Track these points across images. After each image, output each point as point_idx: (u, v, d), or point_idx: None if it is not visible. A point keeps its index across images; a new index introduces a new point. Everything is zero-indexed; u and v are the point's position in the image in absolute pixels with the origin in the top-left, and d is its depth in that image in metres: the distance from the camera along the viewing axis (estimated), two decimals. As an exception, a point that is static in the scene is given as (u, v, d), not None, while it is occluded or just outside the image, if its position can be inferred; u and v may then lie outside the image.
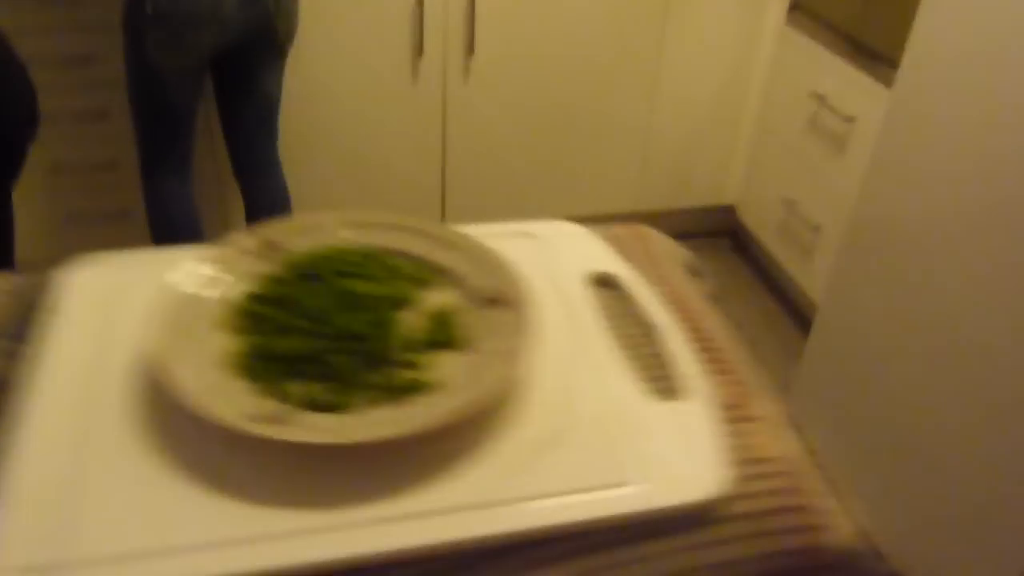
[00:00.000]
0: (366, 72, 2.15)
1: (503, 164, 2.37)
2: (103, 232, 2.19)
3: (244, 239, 0.92)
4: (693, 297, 1.05)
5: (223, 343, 0.81)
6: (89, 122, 2.04)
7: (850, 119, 2.04)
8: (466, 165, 2.34)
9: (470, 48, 2.17)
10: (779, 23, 2.34)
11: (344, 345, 0.81)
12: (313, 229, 0.95)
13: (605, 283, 0.98)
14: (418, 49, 2.14)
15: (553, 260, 1.00)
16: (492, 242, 0.94)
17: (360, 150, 2.25)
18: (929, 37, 1.43)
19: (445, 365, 0.80)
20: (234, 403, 0.72)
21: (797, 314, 2.41)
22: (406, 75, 2.17)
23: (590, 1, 2.18)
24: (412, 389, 0.77)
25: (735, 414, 0.83)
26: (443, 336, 0.83)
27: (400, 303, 0.87)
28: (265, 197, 2.02)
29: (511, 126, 2.31)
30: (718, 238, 2.74)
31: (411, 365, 0.80)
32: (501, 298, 0.85)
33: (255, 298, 0.86)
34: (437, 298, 0.89)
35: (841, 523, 0.75)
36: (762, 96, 2.45)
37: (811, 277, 2.26)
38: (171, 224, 1.95)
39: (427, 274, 0.92)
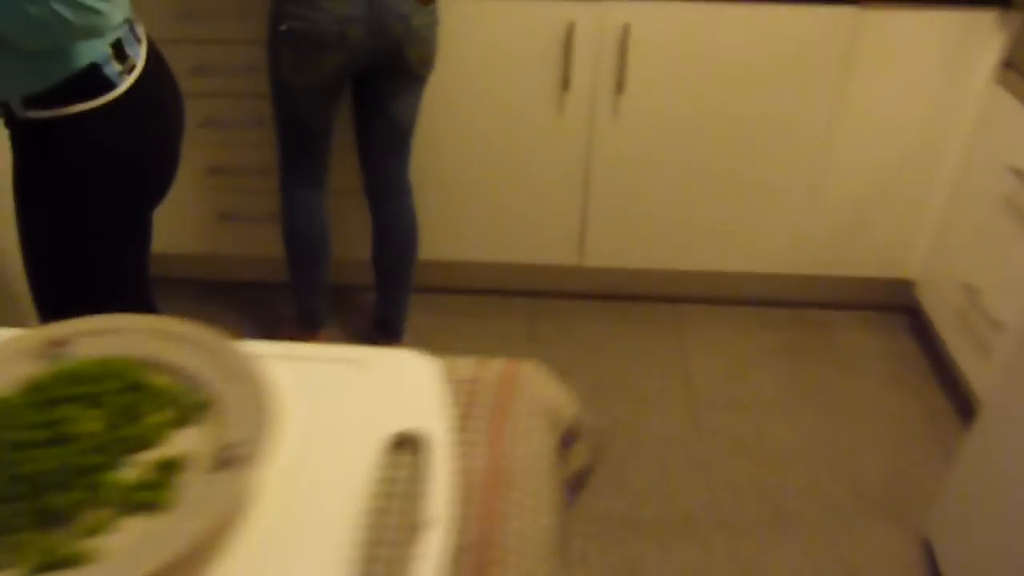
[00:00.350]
0: (509, 102, 2.10)
1: (650, 209, 2.23)
2: (252, 232, 2.31)
3: (29, 336, 0.87)
4: (520, 475, 0.85)
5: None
6: (249, 128, 2.15)
7: (1051, 205, 1.71)
8: (610, 206, 2.23)
9: (620, 86, 2.05)
10: (987, 80, 2.02)
11: (25, 493, 0.72)
12: (111, 332, 0.88)
13: (405, 445, 0.83)
14: (564, 83, 2.06)
15: (360, 408, 0.86)
16: (311, 369, 0.83)
17: (499, 182, 2.21)
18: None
19: (129, 530, 0.72)
20: None
21: (965, 413, 2.08)
22: (551, 109, 2.10)
23: (760, 43, 1.99)
24: (69, 560, 0.68)
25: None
26: (145, 497, 0.74)
27: (136, 444, 0.79)
28: (391, 220, 2.03)
29: (661, 170, 2.17)
30: (894, 314, 2.43)
31: (88, 529, 0.72)
32: (235, 459, 0.75)
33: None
34: (180, 444, 0.80)
35: None
36: (958, 164, 2.13)
37: (983, 377, 1.93)
38: (300, 233, 2.01)
39: (191, 409, 0.83)
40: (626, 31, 1.98)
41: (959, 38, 1.98)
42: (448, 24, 1.99)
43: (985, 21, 1.96)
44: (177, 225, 2.30)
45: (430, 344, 2.26)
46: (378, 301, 2.15)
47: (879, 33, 1.98)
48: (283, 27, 1.72)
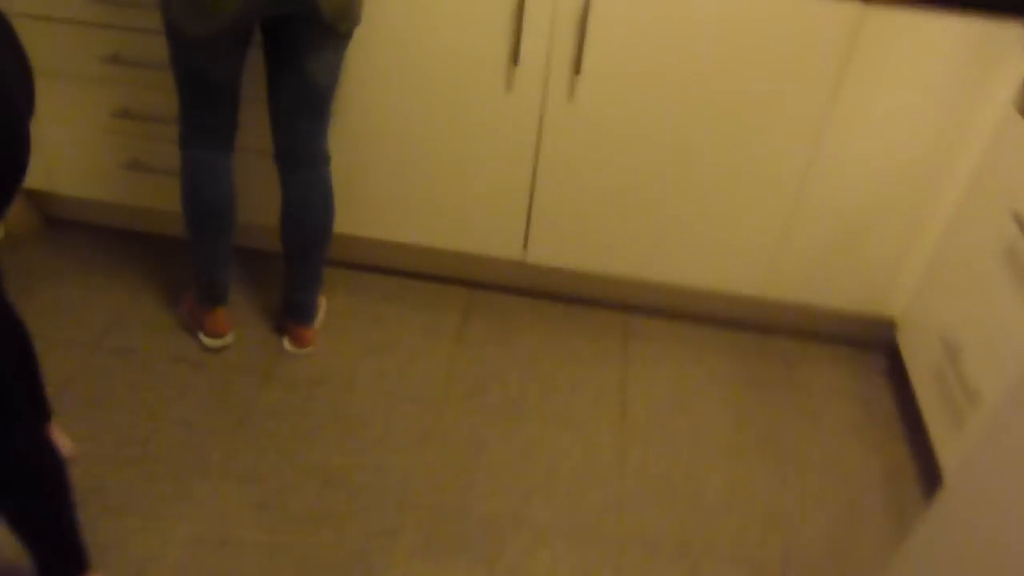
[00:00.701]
0: (450, 70, 1.83)
1: (603, 207, 1.97)
2: (164, 184, 2.08)
3: None
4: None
5: None
6: (162, 69, 1.90)
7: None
8: (559, 199, 1.97)
9: (576, 66, 1.78)
10: (1005, 105, 1.72)
11: None
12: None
13: None
14: (513, 56, 1.79)
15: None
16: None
17: (436, 157, 1.95)
18: None
19: None
20: None
21: (929, 479, 1.83)
22: (498, 84, 1.83)
23: (742, 32, 1.71)
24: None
25: None
26: None
27: None
28: (301, 192, 1.79)
29: (618, 164, 1.90)
30: (870, 352, 2.17)
31: None
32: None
33: None
34: None
35: None
36: (958, 196, 1.84)
37: (952, 446, 1.68)
38: (201, 199, 1.77)
39: None
40: (587, 4, 1.70)
41: (977, 50, 1.68)
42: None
43: (1011, 34, 1.66)
44: (80, 169, 2.08)
45: (343, 334, 2.06)
46: (285, 281, 1.92)
47: (884, 34, 1.68)
48: (172, -39, 1.46)
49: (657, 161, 1.88)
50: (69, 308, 2.03)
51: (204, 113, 1.70)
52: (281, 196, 1.81)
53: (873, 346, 2.18)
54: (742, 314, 2.19)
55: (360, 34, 1.80)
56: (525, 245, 2.05)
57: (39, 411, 1.56)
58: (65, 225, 2.28)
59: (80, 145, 2.04)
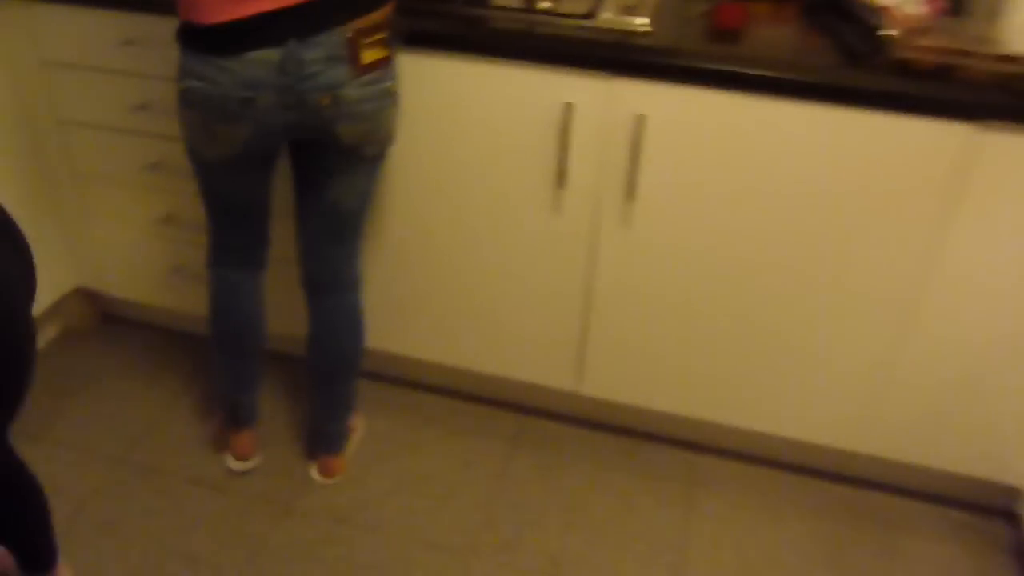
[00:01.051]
0: (494, 190, 1.66)
1: (665, 342, 1.74)
2: (204, 290, 2.00)
3: None
4: None
5: None
6: (205, 178, 1.83)
7: None
8: (616, 331, 1.75)
9: (631, 191, 1.58)
10: None
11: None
12: None
13: None
14: (560, 178, 1.60)
15: None
16: None
17: (482, 280, 1.78)
18: None
19: None
20: None
21: None
22: (545, 207, 1.65)
23: (828, 158, 1.46)
24: None
25: None
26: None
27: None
28: (327, 320, 1.66)
29: (681, 298, 1.68)
30: (988, 520, 1.82)
31: None
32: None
33: None
34: None
35: None
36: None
37: None
38: (225, 319, 1.68)
39: None
40: (640, 124, 1.50)
41: (1124, 188, 1.37)
42: (419, 90, 1.59)
43: None
44: (127, 270, 2.04)
45: (377, 461, 1.90)
46: (311, 408, 1.78)
47: (1000, 165, 1.40)
48: (182, 86, 1.37)
49: (726, 294, 1.65)
50: (106, 415, 1.97)
51: (230, 232, 1.61)
52: (308, 323, 1.68)
53: (990, 513, 1.83)
54: (831, 462, 1.89)
55: (397, 151, 1.67)
56: (579, 375, 1.85)
57: (41, 560, 1.46)
58: (120, 322, 2.25)
59: (127, 247, 2.00)
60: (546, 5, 1.60)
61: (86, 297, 2.18)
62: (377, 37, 1.37)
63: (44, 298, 2.04)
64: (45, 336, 2.16)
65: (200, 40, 1.31)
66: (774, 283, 1.61)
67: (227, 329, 1.69)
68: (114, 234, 1.99)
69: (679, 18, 1.59)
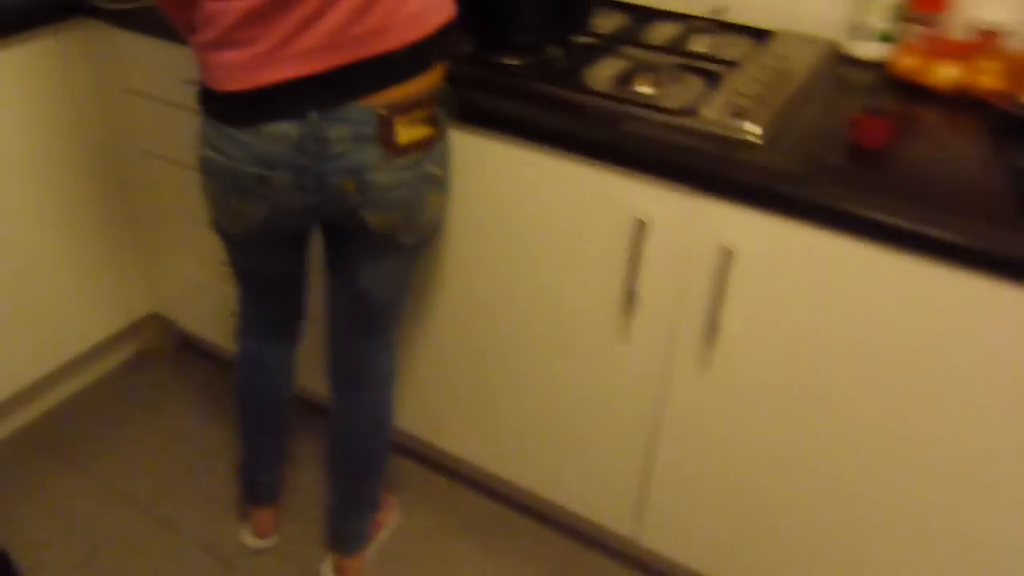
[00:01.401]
0: (553, 301, 1.41)
1: (745, 497, 1.42)
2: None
3: None
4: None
5: None
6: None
7: None
8: (686, 476, 1.45)
9: (712, 330, 1.28)
10: None
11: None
12: None
13: None
14: (627, 303, 1.33)
15: None
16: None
17: (532, 388, 1.54)
18: None
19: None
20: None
21: None
22: (609, 331, 1.37)
23: (945, 320, 1.10)
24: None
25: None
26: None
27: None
28: (347, 415, 1.47)
29: (766, 457, 1.35)
30: None
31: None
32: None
33: None
34: None
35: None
36: None
37: None
38: (250, 391, 1.54)
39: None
40: (727, 258, 1.20)
41: None
42: (479, 173, 1.37)
43: None
44: (194, 305, 1.96)
45: (401, 568, 1.64)
46: (330, 503, 1.59)
47: None
48: (199, 154, 1.23)
49: (819, 464, 1.31)
50: (150, 454, 1.89)
51: (260, 304, 1.46)
52: (330, 415, 1.50)
53: None
54: None
55: (451, 234, 1.46)
56: (638, 522, 1.56)
57: None
58: (195, 350, 2.19)
59: (196, 284, 1.92)
60: (647, 91, 1.33)
61: (161, 323, 2.13)
62: (419, 113, 1.17)
63: (118, 320, 2.00)
64: (118, 357, 2.14)
65: (216, 107, 1.16)
66: (875, 451, 1.25)
67: (251, 405, 1.55)
68: (186, 269, 1.92)
69: (805, 128, 1.26)
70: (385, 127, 1.14)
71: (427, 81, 1.17)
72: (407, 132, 1.16)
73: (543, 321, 1.45)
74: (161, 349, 2.17)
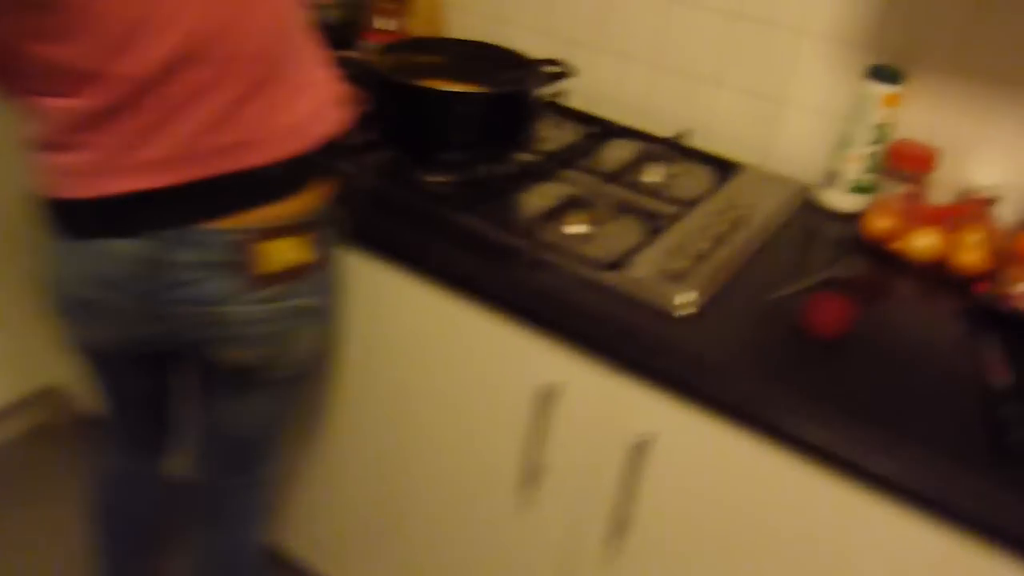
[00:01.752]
0: (454, 455, 1.22)
1: None
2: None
3: None
4: None
5: None
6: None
7: None
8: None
9: (621, 526, 1.08)
10: None
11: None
12: None
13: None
14: (531, 475, 1.14)
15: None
16: None
17: (429, 545, 1.34)
18: None
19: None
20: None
21: None
22: (507, 503, 1.18)
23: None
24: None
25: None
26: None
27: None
28: (208, 559, 1.27)
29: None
30: None
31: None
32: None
33: None
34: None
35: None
36: None
37: None
38: (105, 512, 1.34)
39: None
40: (642, 447, 1.01)
41: None
42: (371, 305, 1.19)
43: None
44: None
45: None
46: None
47: None
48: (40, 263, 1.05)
49: None
50: (29, 542, 1.69)
51: (113, 416, 1.26)
52: (192, 554, 1.31)
53: None
54: None
55: (348, 362, 1.28)
56: None
57: None
58: (95, 425, 2.00)
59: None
60: (577, 230, 1.15)
61: (58, 397, 1.95)
62: (292, 239, 0.99)
63: (9, 392, 1.82)
64: (10, 429, 1.94)
65: (51, 214, 0.99)
66: None
67: (99, 524, 1.34)
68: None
69: (750, 297, 1.08)
70: (246, 254, 0.96)
71: (304, 202, 0.99)
72: (275, 260, 0.99)
73: (445, 472, 1.25)
74: (58, 424, 1.97)
